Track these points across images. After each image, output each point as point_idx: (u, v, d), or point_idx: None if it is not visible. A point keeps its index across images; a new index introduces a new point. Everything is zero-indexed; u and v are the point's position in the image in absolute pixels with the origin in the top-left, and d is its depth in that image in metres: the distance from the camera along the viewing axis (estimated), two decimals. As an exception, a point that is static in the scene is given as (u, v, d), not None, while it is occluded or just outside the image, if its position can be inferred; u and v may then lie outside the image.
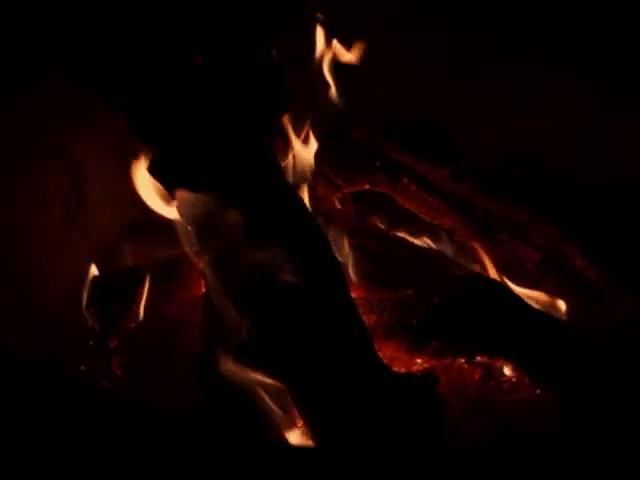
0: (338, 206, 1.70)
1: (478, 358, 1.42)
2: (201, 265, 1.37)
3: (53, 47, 1.48)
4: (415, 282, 1.52)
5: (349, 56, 1.66)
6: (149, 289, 1.60)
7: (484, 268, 1.59)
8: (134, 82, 1.33)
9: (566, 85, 1.76)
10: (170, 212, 1.40)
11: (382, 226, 1.72)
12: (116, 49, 1.32)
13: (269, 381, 1.26)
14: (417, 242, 1.68)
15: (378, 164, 1.62)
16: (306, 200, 1.55)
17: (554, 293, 1.52)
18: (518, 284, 1.54)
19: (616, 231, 1.57)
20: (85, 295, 1.60)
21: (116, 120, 1.36)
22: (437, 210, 1.58)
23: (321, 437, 1.25)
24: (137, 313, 1.59)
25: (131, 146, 1.39)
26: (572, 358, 1.38)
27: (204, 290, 1.51)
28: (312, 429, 1.26)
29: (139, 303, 1.59)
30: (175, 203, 1.35)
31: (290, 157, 1.61)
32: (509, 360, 1.41)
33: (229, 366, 1.27)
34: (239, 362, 1.27)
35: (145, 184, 1.41)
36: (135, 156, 1.39)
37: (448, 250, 1.65)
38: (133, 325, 1.59)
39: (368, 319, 1.40)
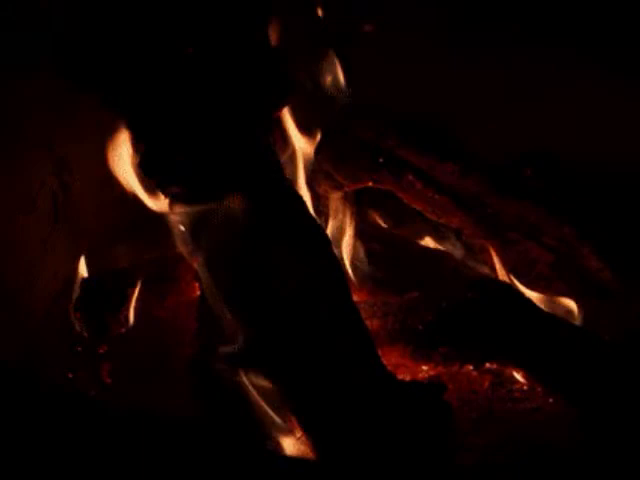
0: (340, 205, 1.66)
1: (487, 365, 1.40)
2: (195, 266, 1.35)
3: (40, 42, 1.47)
4: (421, 285, 1.50)
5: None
6: (140, 292, 1.57)
7: (494, 270, 1.57)
8: (125, 75, 1.31)
9: (582, 81, 1.76)
10: (158, 205, 1.39)
11: (386, 225, 1.70)
12: (106, 42, 1.31)
13: (268, 388, 1.24)
14: (423, 243, 1.65)
15: (382, 160, 1.58)
16: (307, 198, 1.51)
17: (567, 296, 1.50)
18: (529, 286, 1.52)
19: (632, 231, 1.53)
20: (73, 298, 1.56)
21: (107, 116, 1.35)
22: (444, 208, 1.55)
23: (321, 448, 1.22)
24: (127, 317, 1.56)
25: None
26: (586, 364, 1.35)
27: (198, 293, 1.49)
28: (312, 439, 1.23)
29: (130, 307, 1.56)
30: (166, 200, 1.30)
31: (290, 152, 1.57)
32: (520, 367, 1.39)
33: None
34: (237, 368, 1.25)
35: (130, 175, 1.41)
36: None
37: (456, 251, 1.63)
38: (123, 330, 1.56)
39: (371, 324, 1.39)
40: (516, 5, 1.78)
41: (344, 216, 1.64)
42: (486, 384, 1.41)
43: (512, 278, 1.53)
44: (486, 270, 1.57)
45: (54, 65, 1.34)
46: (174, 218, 1.32)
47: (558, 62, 1.78)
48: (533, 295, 1.49)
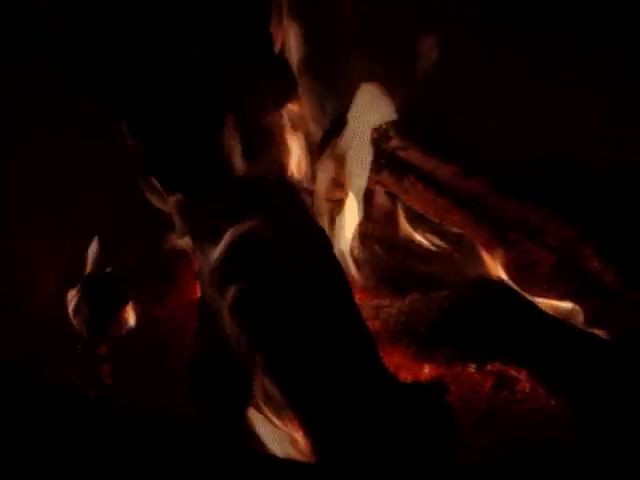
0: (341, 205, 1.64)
1: (489, 366, 1.40)
2: (196, 265, 1.33)
3: (40, 42, 1.48)
4: (423, 286, 1.49)
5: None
6: (140, 292, 1.58)
7: (496, 271, 1.55)
8: (127, 75, 1.31)
9: (583, 81, 1.74)
10: None
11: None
12: (107, 42, 1.31)
13: (269, 389, 1.23)
14: (424, 243, 1.64)
15: (383, 161, 1.56)
16: (308, 199, 1.50)
17: (569, 297, 1.49)
18: (531, 287, 1.51)
19: (634, 231, 1.52)
20: (73, 299, 1.57)
21: (105, 116, 1.38)
22: (446, 209, 1.54)
23: (322, 450, 1.21)
24: (128, 317, 1.56)
25: (121, 144, 1.37)
26: (587, 365, 1.35)
27: (199, 293, 1.46)
28: (312, 441, 1.21)
29: (130, 307, 1.56)
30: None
31: (292, 151, 1.57)
32: (522, 368, 1.38)
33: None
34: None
35: None
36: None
37: (457, 252, 1.60)
38: (123, 331, 1.56)
39: (373, 325, 1.39)
40: (516, 4, 1.77)
41: (345, 217, 1.63)
42: (488, 385, 1.40)
43: (514, 279, 1.52)
44: (488, 270, 1.56)
45: (54, 65, 1.33)
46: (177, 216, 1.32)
47: (558, 62, 1.77)
48: (535, 296, 1.48)
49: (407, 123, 1.61)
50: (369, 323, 1.31)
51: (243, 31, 1.31)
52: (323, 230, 1.31)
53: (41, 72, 1.54)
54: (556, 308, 1.47)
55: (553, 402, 1.35)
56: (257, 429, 1.26)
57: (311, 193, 1.58)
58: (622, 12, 1.70)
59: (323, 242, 1.29)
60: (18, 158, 1.66)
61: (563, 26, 1.75)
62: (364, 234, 1.60)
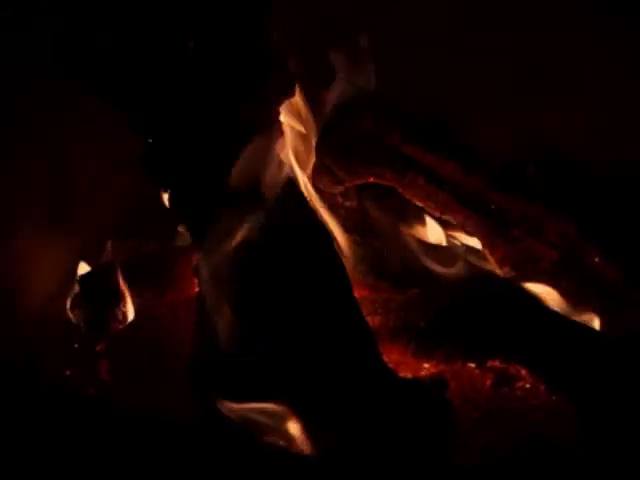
0: (340, 200, 1.64)
1: (490, 363, 1.40)
2: (195, 262, 1.32)
3: (39, 42, 1.46)
4: (423, 281, 1.50)
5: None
6: (139, 288, 1.57)
7: (496, 266, 1.54)
8: (125, 71, 1.30)
9: (585, 78, 1.74)
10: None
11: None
12: (106, 39, 1.30)
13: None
14: (425, 239, 1.63)
15: (384, 156, 1.56)
16: (308, 194, 1.49)
17: (571, 293, 1.48)
18: (533, 284, 1.50)
19: (635, 228, 1.52)
20: (70, 295, 1.56)
21: (104, 116, 1.38)
22: (447, 205, 1.54)
23: (321, 445, 1.21)
24: (126, 314, 1.56)
25: (119, 143, 1.40)
26: (588, 363, 1.35)
27: (197, 290, 1.46)
28: (312, 437, 1.22)
29: (128, 303, 1.56)
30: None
31: (291, 146, 1.56)
32: (523, 365, 1.38)
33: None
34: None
35: None
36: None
37: (458, 247, 1.60)
38: (121, 327, 1.55)
39: (372, 321, 1.38)
40: (516, 5, 1.78)
41: (345, 212, 1.63)
42: (488, 382, 1.39)
43: (515, 275, 1.52)
44: (489, 266, 1.55)
45: (54, 65, 1.34)
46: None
47: (558, 62, 1.77)
48: (536, 292, 1.48)
49: (409, 118, 1.61)
50: (369, 318, 1.31)
51: (241, 25, 1.31)
52: (323, 225, 1.31)
53: (41, 72, 1.54)
54: (557, 303, 1.46)
55: (554, 399, 1.34)
56: (256, 424, 1.25)
57: (311, 187, 1.58)
58: (622, 11, 1.70)
59: (323, 237, 1.29)
60: (18, 158, 1.66)
61: (563, 26, 1.76)
62: (363, 229, 1.60)
